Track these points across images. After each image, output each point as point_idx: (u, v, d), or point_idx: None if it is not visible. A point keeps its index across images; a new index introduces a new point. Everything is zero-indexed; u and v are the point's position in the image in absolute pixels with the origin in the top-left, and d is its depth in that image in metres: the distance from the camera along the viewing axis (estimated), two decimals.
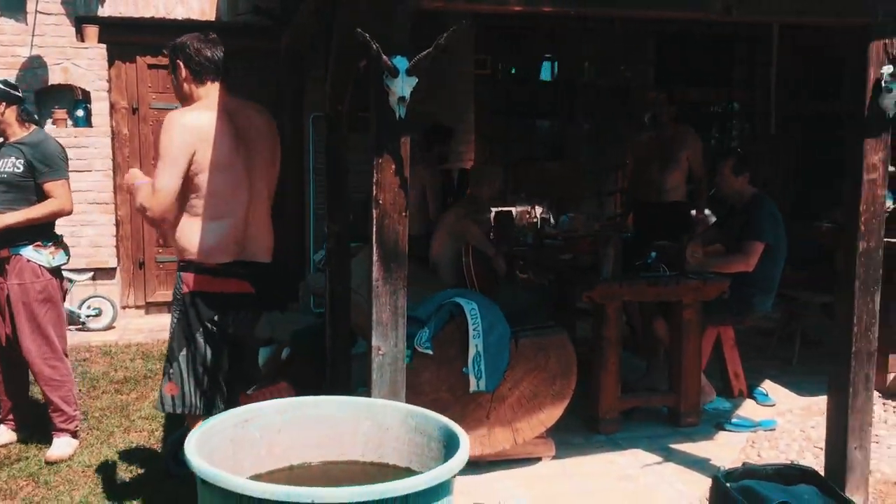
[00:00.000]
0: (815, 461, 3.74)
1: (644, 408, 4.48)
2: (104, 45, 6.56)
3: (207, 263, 2.91)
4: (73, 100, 6.59)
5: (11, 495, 3.48)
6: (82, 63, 6.48)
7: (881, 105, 2.99)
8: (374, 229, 2.69)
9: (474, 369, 3.58)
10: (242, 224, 2.97)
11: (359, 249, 5.30)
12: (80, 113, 6.56)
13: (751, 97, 8.20)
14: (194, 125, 2.87)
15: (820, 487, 3.19)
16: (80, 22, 6.50)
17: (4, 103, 3.86)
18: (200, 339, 2.94)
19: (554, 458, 3.89)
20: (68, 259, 4.05)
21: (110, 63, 6.66)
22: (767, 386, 5.01)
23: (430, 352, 3.55)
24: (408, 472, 2.34)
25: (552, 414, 3.76)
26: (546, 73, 7.87)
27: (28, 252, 3.81)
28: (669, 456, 3.97)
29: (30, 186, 3.83)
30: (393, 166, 2.67)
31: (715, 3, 2.73)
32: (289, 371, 4.15)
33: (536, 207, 5.85)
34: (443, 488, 2.03)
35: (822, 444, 3.85)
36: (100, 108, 6.58)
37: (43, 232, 3.87)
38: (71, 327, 6.34)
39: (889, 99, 2.96)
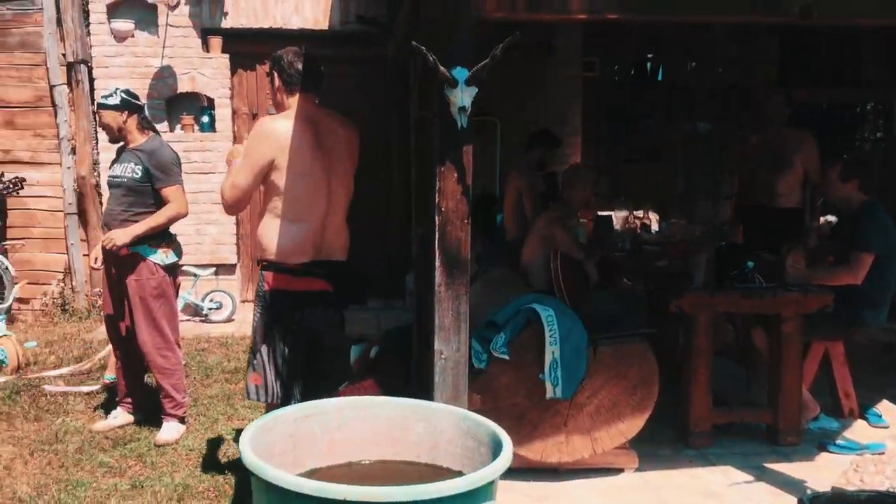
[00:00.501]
0: None
1: (742, 423, 4.30)
2: (227, 55, 6.96)
3: (286, 264, 3.06)
4: (199, 106, 7.03)
5: (121, 473, 3.78)
6: (207, 72, 6.91)
7: None
8: (437, 236, 2.75)
9: (551, 376, 3.57)
10: (320, 228, 3.10)
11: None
12: (205, 119, 7.00)
13: (886, 96, 7.67)
14: (275, 133, 3.03)
15: None
16: (206, 34, 6.93)
17: (126, 112, 4.17)
18: (279, 334, 3.10)
19: (637, 470, 3.81)
20: (180, 257, 4.34)
21: (232, 72, 7.06)
22: (883, 407, 4.69)
23: (506, 357, 3.57)
24: (460, 475, 2.38)
25: (633, 425, 3.70)
26: (653, 73, 7.68)
27: (145, 251, 4.11)
28: (762, 475, 3.80)
29: (147, 191, 4.13)
30: (455, 175, 2.72)
31: (791, 6, 2.60)
32: (377, 369, 4.27)
33: (638, 211, 5.73)
34: (480, 493, 2.06)
35: None
36: (223, 114, 6.99)
37: (158, 233, 4.17)
38: (195, 318, 6.80)
39: None
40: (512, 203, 5.86)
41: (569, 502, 3.52)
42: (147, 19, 6.87)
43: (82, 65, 6.81)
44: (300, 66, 3.16)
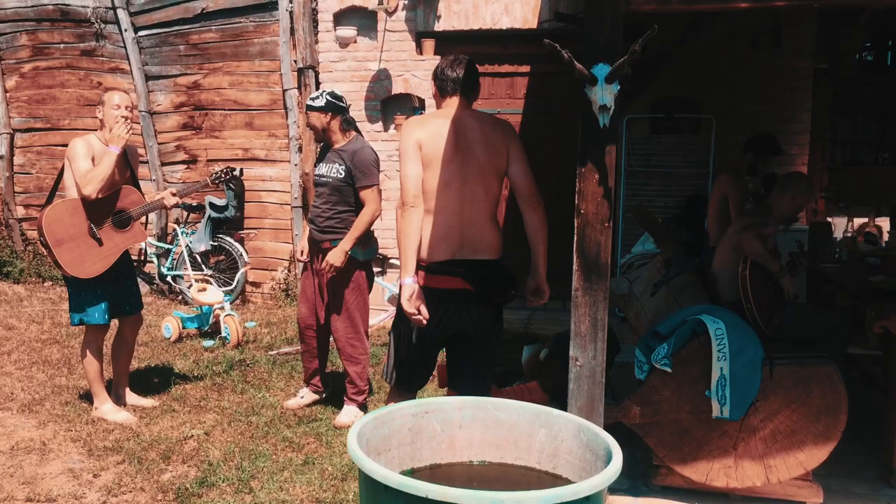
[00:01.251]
0: None
1: None
2: (439, 57, 7.20)
3: (425, 261, 3.12)
4: (412, 107, 7.35)
5: (298, 448, 4.07)
6: (419, 73, 7.20)
7: None
8: (575, 239, 2.65)
9: (718, 393, 3.30)
10: (454, 223, 3.11)
11: (653, 257, 5.17)
12: None
13: None
14: (416, 127, 3.11)
15: None
16: (420, 37, 7.22)
17: (330, 113, 4.45)
18: (408, 327, 3.17)
19: None
20: (376, 253, 4.58)
21: None
22: None
23: (669, 369, 3.36)
24: None
25: (814, 455, 3.32)
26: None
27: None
28: None
29: (349, 190, 4.39)
30: (596, 176, 2.61)
31: None
32: (544, 372, 4.21)
33: (862, 218, 5.10)
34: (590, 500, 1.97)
35: None
36: None
37: None
38: (389, 307, 7.12)
39: None
40: (716, 207, 5.47)
41: None
42: (367, 25, 7.31)
43: (310, 70, 7.39)
44: (450, 73, 3.23)
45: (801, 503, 3.43)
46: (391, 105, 7.39)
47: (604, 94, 2.50)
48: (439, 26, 7.16)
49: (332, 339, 4.62)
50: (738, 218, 4.45)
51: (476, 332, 3.17)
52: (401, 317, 3.22)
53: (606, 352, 4.07)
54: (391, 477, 1.96)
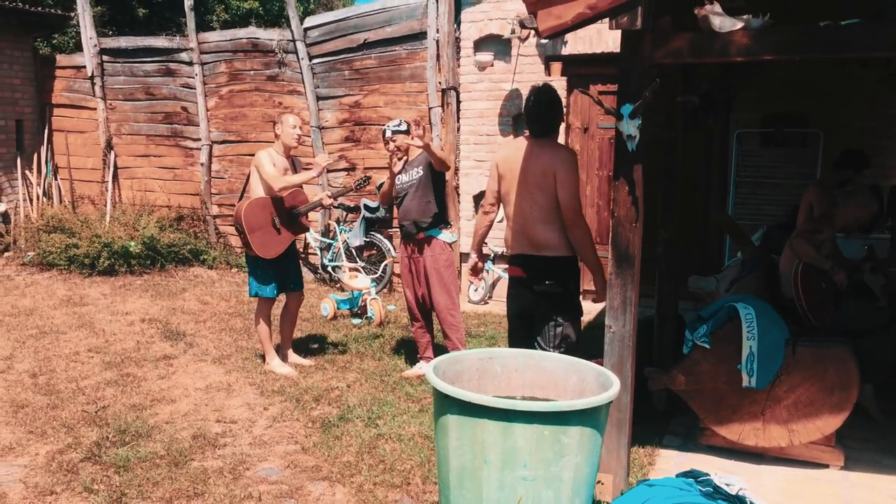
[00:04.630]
0: None
1: None
2: (565, 78, 8.07)
3: (507, 253, 4.09)
4: None
5: (417, 400, 5.10)
6: None
7: None
8: (611, 235, 3.50)
9: (747, 367, 4.01)
10: (516, 225, 4.04)
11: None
12: None
13: None
14: (500, 149, 4.11)
15: None
16: (549, 60, 8.12)
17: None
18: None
19: (842, 468, 4.03)
20: (459, 236, 5.63)
21: (568, 91, 8.15)
22: None
23: (707, 346, 4.10)
24: None
25: (830, 422, 3.94)
26: None
27: (435, 232, 5.43)
28: None
29: (429, 184, 5.40)
30: (626, 188, 3.44)
31: None
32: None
33: None
34: (587, 413, 2.84)
35: None
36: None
37: (444, 219, 5.47)
38: None
39: None
40: (803, 214, 6.00)
41: (754, 479, 3.93)
42: (503, 51, 8.30)
43: (452, 90, 8.48)
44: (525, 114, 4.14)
45: (825, 465, 4.05)
46: (521, 120, 8.33)
47: (628, 127, 3.33)
48: (566, 50, 8.02)
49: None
50: (802, 225, 5.03)
51: (533, 312, 4.09)
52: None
53: (671, 339, 4.83)
54: (448, 388, 2.93)
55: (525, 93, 8.20)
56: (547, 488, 2.82)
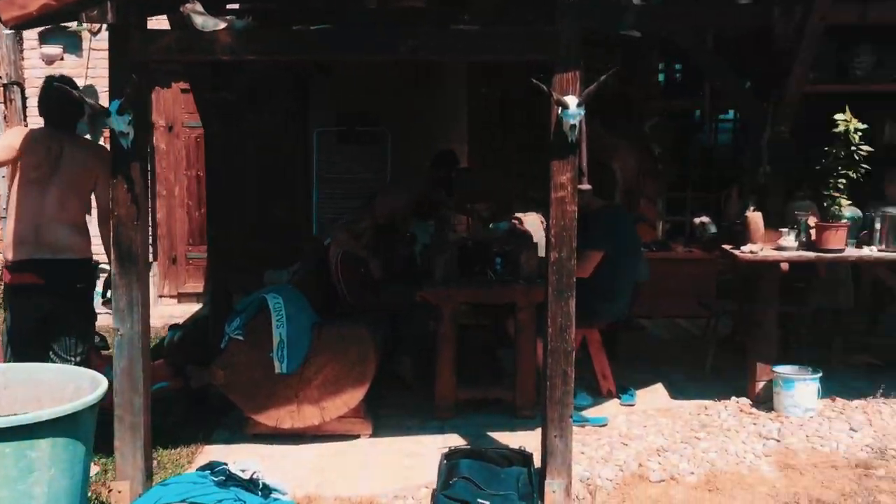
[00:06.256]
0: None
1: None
2: None
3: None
4: None
5: None
6: None
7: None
8: (113, 235, 3.43)
9: (278, 354, 4.22)
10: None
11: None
12: None
13: None
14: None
15: (530, 470, 3.58)
16: None
17: None
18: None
19: (372, 436, 4.43)
20: None
21: None
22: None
23: (241, 338, 4.23)
24: None
25: (353, 396, 4.31)
26: None
27: None
28: (476, 441, 4.33)
29: None
30: (125, 186, 3.41)
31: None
32: (173, 352, 4.98)
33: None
34: (58, 423, 2.74)
35: (629, 441, 4.17)
36: None
37: None
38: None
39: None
40: None
41: (290, 458, 4.16)
42: (74, 44, 7.76)
43: (16, 86, 7.72)
44: None
45: (357, 435, 4.42)
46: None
47: (119, 123, 3.30)
48: None
49: None
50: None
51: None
52: None
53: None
54: None
55: (101, 88, 7.78)
56: None
